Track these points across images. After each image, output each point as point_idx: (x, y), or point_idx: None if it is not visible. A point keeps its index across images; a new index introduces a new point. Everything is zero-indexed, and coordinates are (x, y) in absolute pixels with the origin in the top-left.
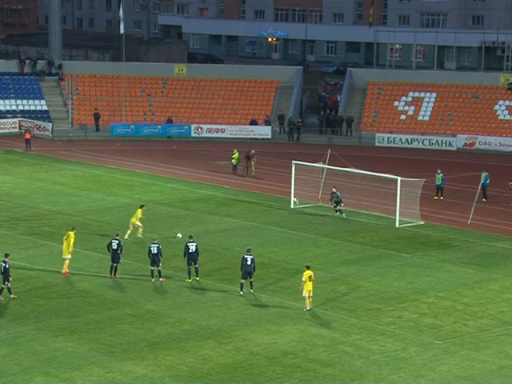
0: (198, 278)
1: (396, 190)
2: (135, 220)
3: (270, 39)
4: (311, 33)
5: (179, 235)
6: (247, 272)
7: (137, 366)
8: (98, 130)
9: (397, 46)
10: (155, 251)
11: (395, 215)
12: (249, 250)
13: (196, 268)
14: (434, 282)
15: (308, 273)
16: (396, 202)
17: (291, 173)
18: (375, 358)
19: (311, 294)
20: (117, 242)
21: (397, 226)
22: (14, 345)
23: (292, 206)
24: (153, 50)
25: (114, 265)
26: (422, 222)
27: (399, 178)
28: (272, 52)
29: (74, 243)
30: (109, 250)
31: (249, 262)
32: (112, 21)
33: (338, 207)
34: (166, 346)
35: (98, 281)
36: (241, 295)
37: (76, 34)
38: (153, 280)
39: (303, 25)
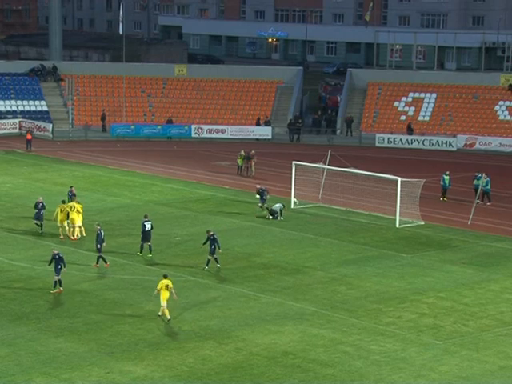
0: (150, 255)
1: (396, 190)
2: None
3: (270, 40)
4: (311, 33)
5: (178, 238)
6: None
7: (137, 366)
8: (104, 130)
9: (397, 46)
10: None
11: (395, 215)
12: None
13: (149, 245)
14: (434, 283)
15: (164, 282)
16: (396, 202)
17: (291, 173)
18: (375, 358)
19: (164, 304)
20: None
21: (397, 226)
22: (14, 345)
23: (292, 207)
24: (153, 51)
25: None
26: (422, 223)
27: (399, 179)
28: (272, 52)
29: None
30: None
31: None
32: (112, 21)
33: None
34: (166, 346)
35: (99, 281)
36: None
37: (76, 34)
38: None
39: (303, 25)
